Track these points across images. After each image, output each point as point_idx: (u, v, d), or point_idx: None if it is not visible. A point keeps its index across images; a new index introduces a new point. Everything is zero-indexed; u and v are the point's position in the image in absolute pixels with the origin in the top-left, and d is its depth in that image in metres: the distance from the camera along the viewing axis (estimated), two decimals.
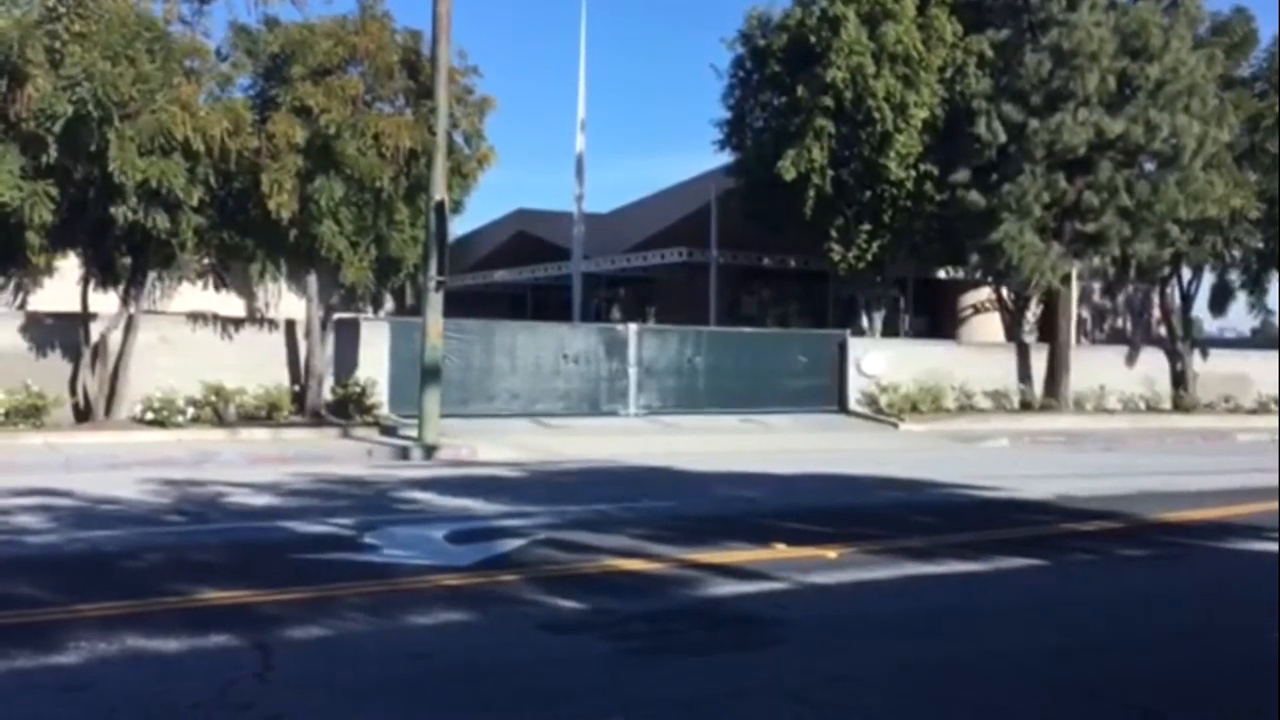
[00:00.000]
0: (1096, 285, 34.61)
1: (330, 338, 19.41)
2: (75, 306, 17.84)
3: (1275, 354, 28.73)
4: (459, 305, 26.86)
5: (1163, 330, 30.85)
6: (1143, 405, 27.23)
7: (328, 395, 19.23)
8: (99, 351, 17.52)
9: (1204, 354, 29.65)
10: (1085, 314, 35.99)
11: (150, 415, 17.31)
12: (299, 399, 18.88)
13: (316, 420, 18.52)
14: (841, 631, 6.16)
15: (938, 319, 33.30)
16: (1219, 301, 29.43)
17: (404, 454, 16.26)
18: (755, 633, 6.03)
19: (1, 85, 14.92)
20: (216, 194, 16.73)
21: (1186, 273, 28.95)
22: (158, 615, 6.02)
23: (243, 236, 17.92)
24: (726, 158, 27.04)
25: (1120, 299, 36.86)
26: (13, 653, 5.25)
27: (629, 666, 5.38)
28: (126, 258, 17.89)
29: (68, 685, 4.87)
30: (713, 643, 5.84)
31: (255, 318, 22.15)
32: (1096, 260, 25.87)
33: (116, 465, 13.95)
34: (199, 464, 14.46)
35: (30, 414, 16.65)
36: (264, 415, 18.10)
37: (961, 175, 23.60)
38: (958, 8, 24.57)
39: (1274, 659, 5.50)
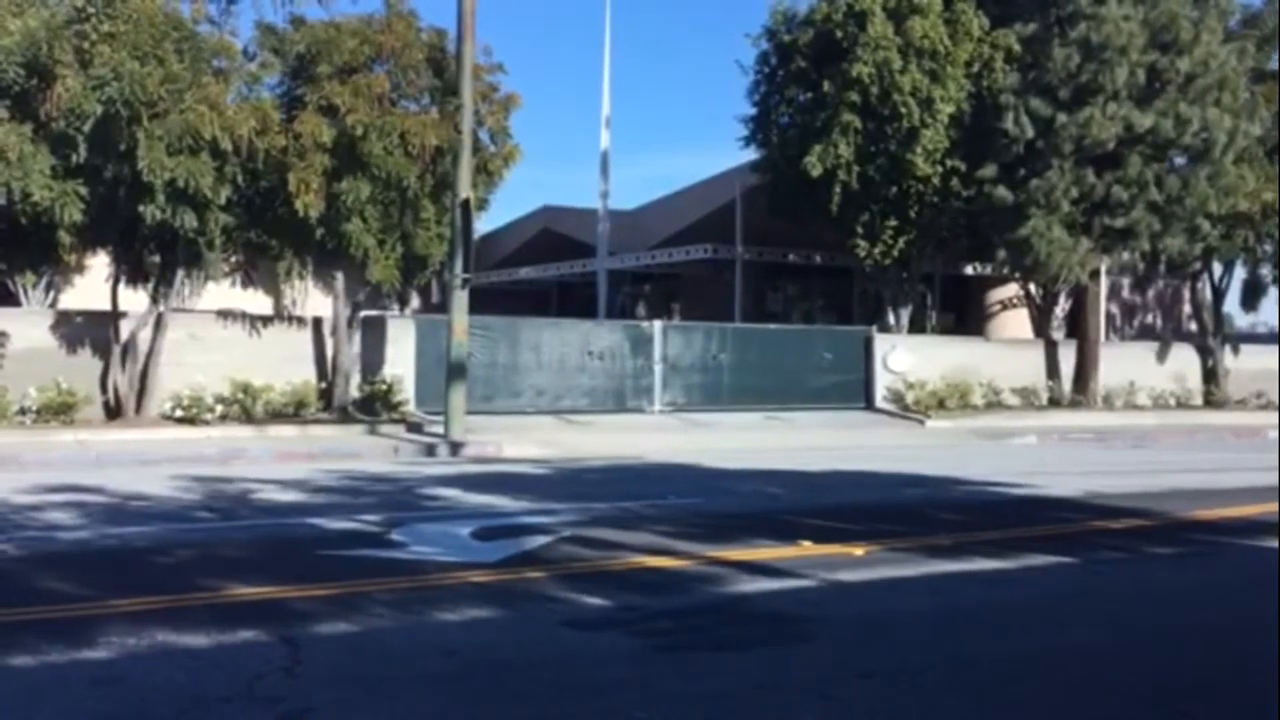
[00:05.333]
0: (1126, 281, 34.34)
1: (357, 335, 19.50)
2: (105, 304, 17.99)
3: None
4: (484, 302, 26.98)
5: (1193, 326, 30.57)
6: (1173, 402, 26.99)
7: (354, 392, 19.32)
8: (129, 349, 17.67)
9: (1235, 350, 29.34)
10: (1114, 310, 35.72)
11: (179, 412, 17.44)
12: (326, 396, 18.98)
13: (343, 417, 18.61)
14: (870, 629, 6.13)
15: (965, 315, 33.12)
16: (1251, 297, 29.11)
17: (430, 450, 16.32)
18: (783, 630, 6.01)
19: (32, 85, 15.05)
20: (244, 193, 16.82)
21: (1217, 268, 28.65)
22: (187, 610, 6.07)
23: (270, 235, 18.04)
24: (752, 154, 26.97)
25: (1150, 294, 36.56)
26: (45, 647, 5.31)
27: (656, 663, 5.38)
28: (155, 256, 18.02)
29: (99, 679, 4.91)
30: (740, 640, 5.82)
31: (283, 315, 22.29)
32: (1126, 255, 25.65)
33: (146, 462, 14.07)
34: (228, 460, 14.57)
35: (61, 411, 16.82)
36: (292, 412, 18.21)
37: (989, 170, 23.45)
38: (984, 2, 24.41)
39: None
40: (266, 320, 19.85)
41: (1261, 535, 9.39)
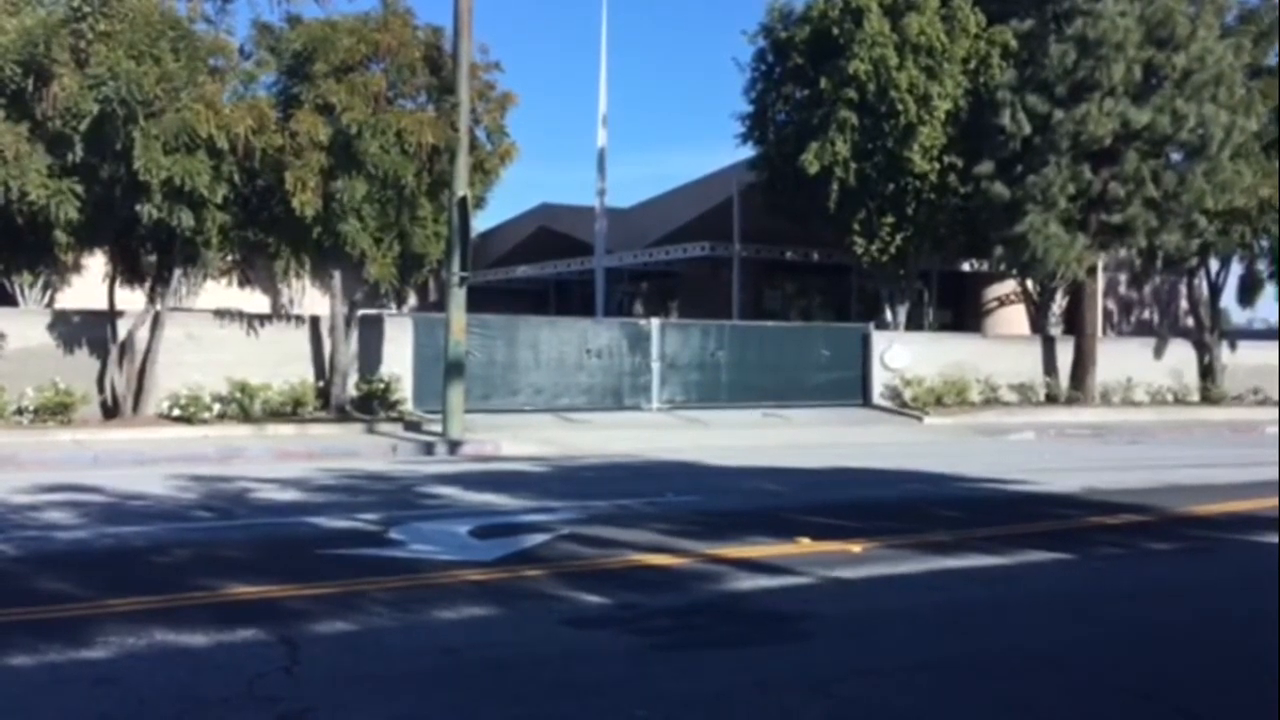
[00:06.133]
0: (1123, 277, 34.38)
1: (354, 334, 19.49)
2: (102, 304, 17.98)
3: None
4: (482, 301, 26.96)
5: (1190, 322, 30.59)
6: (1170, 398, 27.03)
7: (352, 391, 19.32)
8: (126, 348, 17.65)
9: (1232, 345, 29.38)
10: (1111, 306, 35.74)
11: (177, 411, 17.43)
12: (324, 395, 18.97)
13: (341, 416, 18.61)
14: (867, 626, 6.14)
15: (962, 312, 33.14)
16: (1247, 292, 29.15)
17: (428, 449, 16.31)
18: (780, 627, 6.02)
19: (28, 84, 15.02)
20: (241, 191, 16.81)
21: (1214, 263, 28.68)
22: (186, 610, 6.06)
23: (267, 234, 18.02)
24: (749, 151, 26.97)
25: (1147, 290, 36.57)
26: (44, 647, 5.30)
27: (654, 661, 5.38)
28: (152, 255, 18.02)
29: (98, 679, 4.91)
30: (738, 637, 5.82)
31: (280, 314, 22.28)
32: (1123, 252, 25.70)
33: (144, 461, 14.06)
34: (225, 460, 14.56)
35: (59, 411, 16.81)
36: (289, 411, 18.20)
37: (986, 167, 23.46)
38: None
39: None
40: (264, 319, 19.83)
41: (1260, 531, 9.40)
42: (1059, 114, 22.89)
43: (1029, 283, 27.79)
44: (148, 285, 18.23)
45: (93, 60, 14.78)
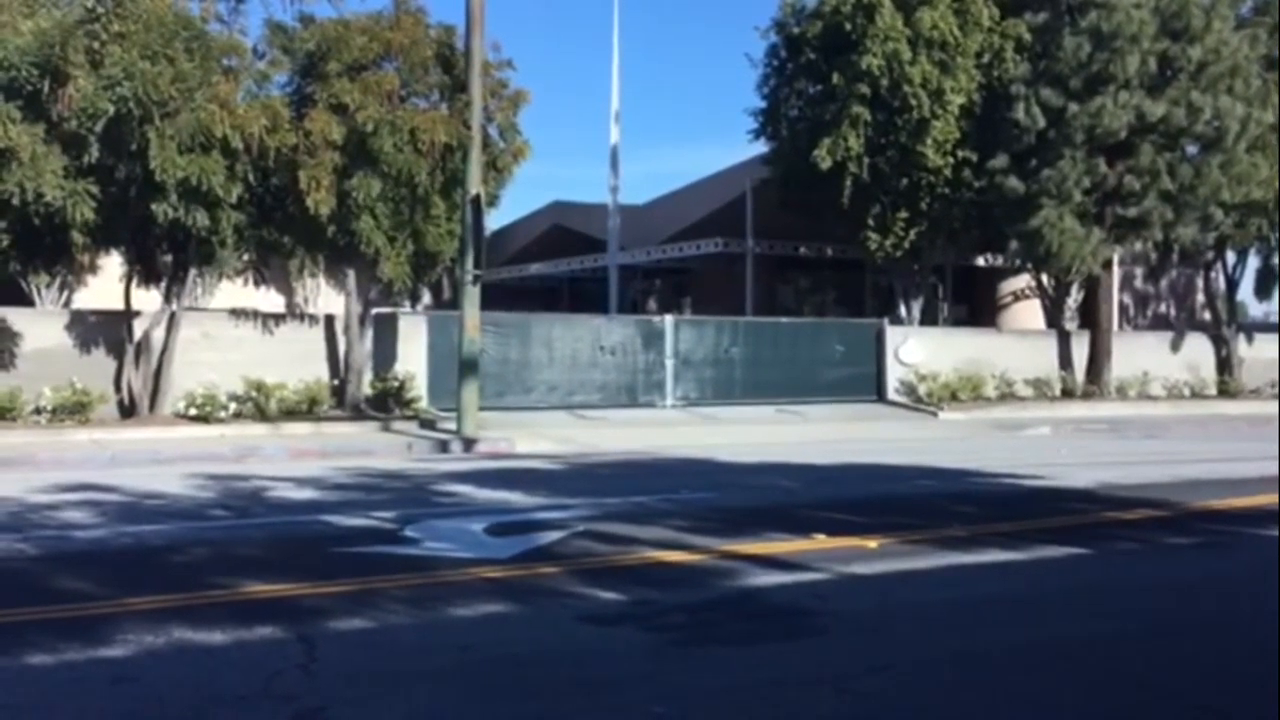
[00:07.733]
0: (1139, 270, 34.25)
1: (369, 332, 19.55)
2: (119, 304, 18.07)
3: None
4: (495, 298, 27.01)
5: (1207, 315, 30.44)
6: (1187, 391, 26.90)
7: (367, 389, 19.37)
8: (142, 348, 17.74)
9: (1249, 338, 29.22)
10: (1127, 299, 35.59)
11: (193, 411, 17.51)
12: (339, 393, 19.03)
13: (356, 414, 18.66)
14: (883, 622, 6.13)
15: (977, 306, 33.03)
16: (1264, 285, 29.00)
17: (443, 447, 16.35)
18: (796, 623, 6.01)
19: (44, 85, 15.09)
20: (255, 191, 16.86)
21: (1231, 256, 28.55)
22: (203, 608, 6.09)
23: (281, 233, 18.09)
24: (762, 147, 26.95)
25: (1163, 284, 36.42)
26: (62, 646, 5.34)
27: (670, 657, 5.38)
28: (168, 255, 18.09)
29: (116, 677, 4.94)
30: (753, 633, 5.82)
31: (295, 313, 22.34)
32: (1138, 245, 25.58)
33: (161, 460, 14.12)
34: (242, 458, 14.61)
35: (76, 410, 16.90)
36: (305, 410, 18.25)
37: (1000, 161, 23.39)
38: None
39: None
40: (279, 318, 19.92)
41: (1275, 525, 9.33)
42: (1073, 107, 22.80)
43: (1044, 277, 27.68)
44: (163, 285, 18.30)
45: (107, 61, 14.84)
